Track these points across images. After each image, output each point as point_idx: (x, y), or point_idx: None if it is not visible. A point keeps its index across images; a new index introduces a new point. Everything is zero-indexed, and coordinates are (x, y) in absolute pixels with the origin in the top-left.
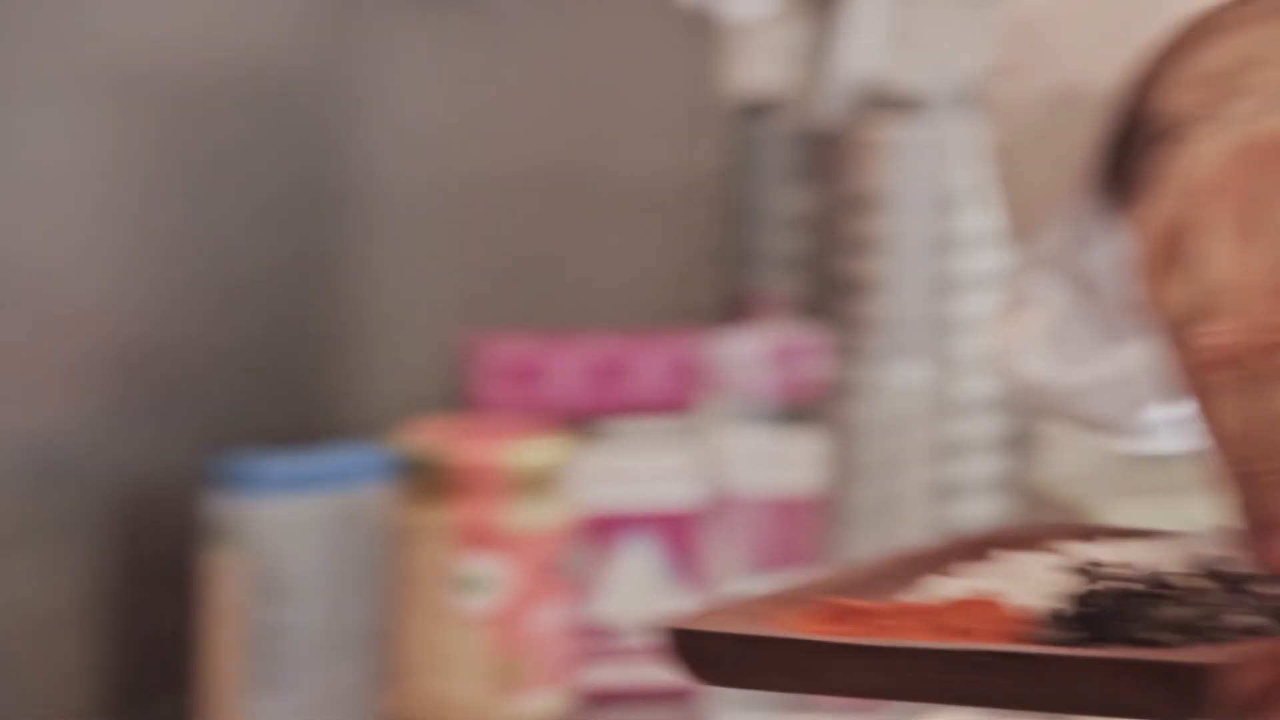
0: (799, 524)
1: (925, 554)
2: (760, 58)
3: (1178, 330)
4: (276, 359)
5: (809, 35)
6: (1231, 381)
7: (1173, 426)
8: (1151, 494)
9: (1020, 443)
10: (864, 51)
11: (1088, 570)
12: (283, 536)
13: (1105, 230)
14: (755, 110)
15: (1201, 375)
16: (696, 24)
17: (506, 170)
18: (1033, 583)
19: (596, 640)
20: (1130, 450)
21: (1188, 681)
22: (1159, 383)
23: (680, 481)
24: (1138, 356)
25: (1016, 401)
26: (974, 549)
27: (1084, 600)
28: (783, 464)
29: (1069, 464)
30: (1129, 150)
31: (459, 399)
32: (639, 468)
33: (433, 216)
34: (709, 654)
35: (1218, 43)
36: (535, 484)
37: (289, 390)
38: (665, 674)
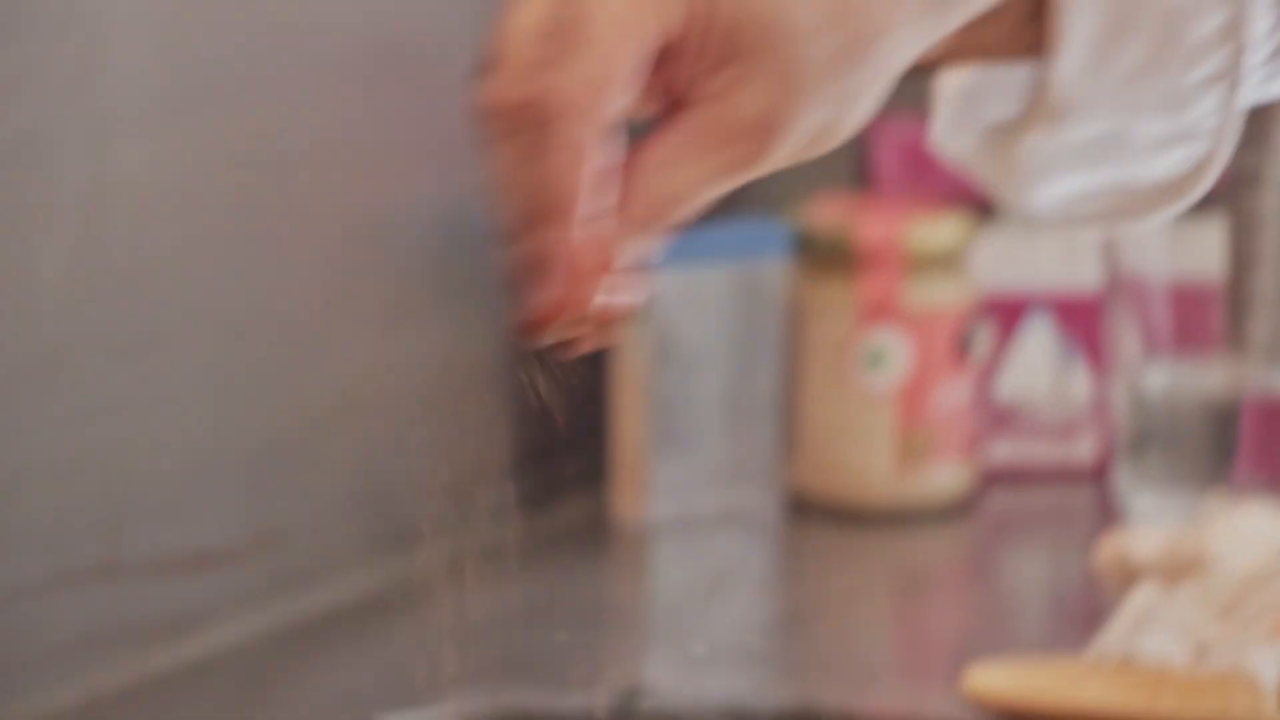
0: (1199, 311)
1: None
2: None
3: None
4: None
5: None
6: (503, 134)
7: None
8: None
9: None
10: None
11: None
12: (682, 308)
13: None
14: None
15: (482, 126)
16: None
17: None
18: None
19: (997, 419)
20: None
21: None
22: None
23: (1081, 265)
24: None
25: None
26: None
27: None
28: (1184, 250)
29: None
30: None
31: (859, 178)
32: (1040, 251)
33: None
34: None
35: None
36: (938, 263)
37: None
38: (1066, 452)
